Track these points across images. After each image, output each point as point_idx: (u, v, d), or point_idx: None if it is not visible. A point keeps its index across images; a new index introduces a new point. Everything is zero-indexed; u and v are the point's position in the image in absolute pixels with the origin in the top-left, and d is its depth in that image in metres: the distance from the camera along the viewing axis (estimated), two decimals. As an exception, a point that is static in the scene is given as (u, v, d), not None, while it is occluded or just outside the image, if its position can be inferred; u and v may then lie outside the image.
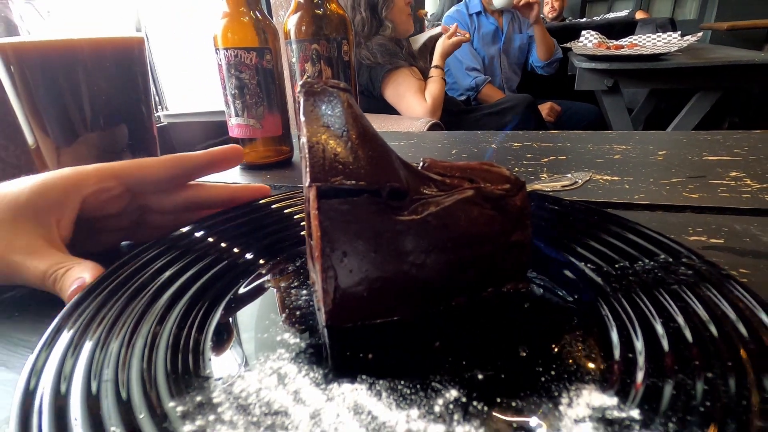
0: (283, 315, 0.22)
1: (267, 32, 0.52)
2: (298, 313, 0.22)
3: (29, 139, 0.33)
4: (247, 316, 0.22)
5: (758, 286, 0.24)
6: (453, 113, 1.49)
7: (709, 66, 1.33)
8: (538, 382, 0.16)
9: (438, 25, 1.60)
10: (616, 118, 1.59)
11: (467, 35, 1.47)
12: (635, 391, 0.16)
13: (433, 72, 1.41)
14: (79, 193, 0.24)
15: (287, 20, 0.48)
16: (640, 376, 0.16)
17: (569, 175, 0.45)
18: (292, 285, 0.25)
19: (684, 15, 3.69)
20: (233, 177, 0.53)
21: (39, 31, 0.31)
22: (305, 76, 0.26)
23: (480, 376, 0.17)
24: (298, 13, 0.46)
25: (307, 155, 0.19)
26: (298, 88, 0.23)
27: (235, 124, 0.54)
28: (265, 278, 0.26)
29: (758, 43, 2.92)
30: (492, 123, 1.60)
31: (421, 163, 0.24)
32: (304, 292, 0.24)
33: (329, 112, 0.21)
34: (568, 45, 1.78)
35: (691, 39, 1.42)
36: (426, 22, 1.79)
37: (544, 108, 2.01)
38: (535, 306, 0.22)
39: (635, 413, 0.15)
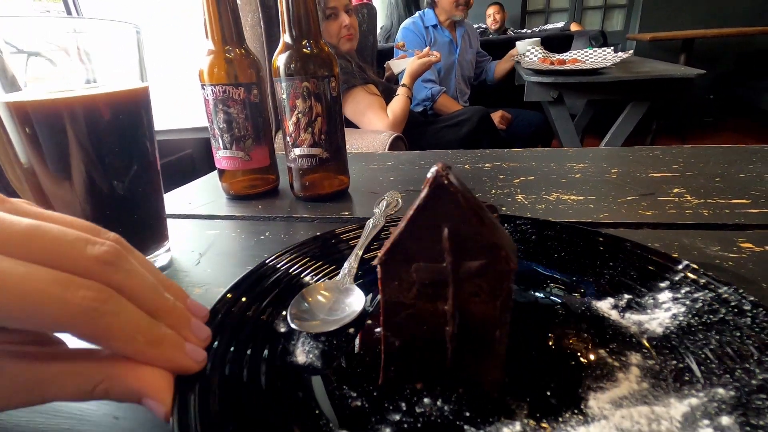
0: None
1: (253, 68, 0.53)
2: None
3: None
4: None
5: (712, 296, 0.29)
6: (413, 126, 1.55)
7: (639, 79, 1.48)
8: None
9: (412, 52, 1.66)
10: (562, 126, 1.72)
11: (437, 56, 1.53)
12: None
13: (400, 90, 1.47)
14: None
15: (276, 58, 0.50)
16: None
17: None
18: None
19: (612, 26, 4.03)
20: (221, 208, 0.54)
21: (38, 84, 0.31)
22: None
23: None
24: (288, 52, 0.49)
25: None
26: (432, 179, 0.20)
27: (222, 157, 0.55)
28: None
29: (675, 52, 3.24)
30: (450, 135, 1.67)
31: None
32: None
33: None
34: (516, 58, 1.90)
35: (623, 55, 1.57)
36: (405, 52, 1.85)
37: (496, 116, 2.13)
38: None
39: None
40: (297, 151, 0.52)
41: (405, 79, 1.53)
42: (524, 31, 3.64)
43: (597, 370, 0.23)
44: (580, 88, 1.58)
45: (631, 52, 1.66)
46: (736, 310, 0.25)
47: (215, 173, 0.68)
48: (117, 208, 0.35)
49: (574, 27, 3.52)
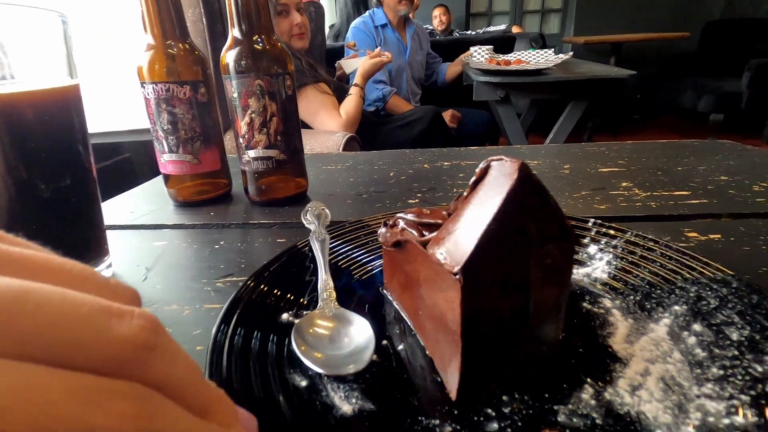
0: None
1: (198, 64, 0.50)
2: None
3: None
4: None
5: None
6: (366, 126, 1.54)
7: (579, 80, 1.56)
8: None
9: (364, 53, 1.65)
10: (509, 124, 1.78)
11: (389, 56, 1.53)
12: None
13: (353, 90, 1.45)
14: None
15: (225, 54, 0.46)
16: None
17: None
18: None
19: (549, 30, 4.24)
20: (168, 217, 0.50)
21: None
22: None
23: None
24: (237, 48, 0.46)
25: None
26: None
27: (168, 161, 0.51)
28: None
29: (606, 55, 3.47)
30: (403, 134, 1.68)
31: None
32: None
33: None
34: (465, 60, 1.94)
35: (564, 56, 1.65)
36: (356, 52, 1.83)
37: (446, 115, 2.16)
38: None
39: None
40: (251, 154, 0.49)
41: (357, 79, 1.51)
42: (469, 32, 3.75)
43: (596, 319, 0.27)
44: (525, 87, 1.64)
45: (571, 53, 1.75)
46: (645, 247, 0.34)
47: (159, 179, 0.63)
48: (48, 221, 0.31)
49: (515, 29, 3.68)
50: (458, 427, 0.19)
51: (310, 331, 0.24)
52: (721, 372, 0.23)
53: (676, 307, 0.28)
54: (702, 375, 0.23)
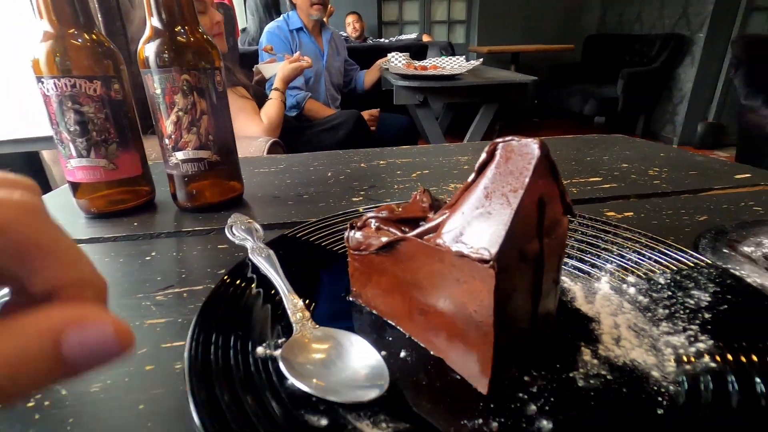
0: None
1: (110, 57, 0.44)
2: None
3: None
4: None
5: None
6: (288, 131, 1.50)
7: (490, 84, 1.68)
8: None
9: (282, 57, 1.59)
10: (429, 127, 1.85)
11: (309, 61, 1.50)
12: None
13: (273, 94, 1.40)
14: None
15: (143, 47, 0.42)
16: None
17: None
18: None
19: (456, 39, 4.51)
20: (79, 230, 0.44)
21: None
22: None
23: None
24: (158, 40, 0.41)
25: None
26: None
27: (77, 167, 0.44)
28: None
29: (507, 63, 3.79)
30: (327, 138, 1.66)
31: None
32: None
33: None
34: (385, 66, 1.98)
35: (475, 63, 1.77)
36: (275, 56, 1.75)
37: (365, 114, 2.17)
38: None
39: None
40: (180, 155, 0.45)
41: (277, 83, 1.47)
42: (382, 40, 3.84)
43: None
44: (442, 91, 1.72)
45: (482, 60, 1.88)
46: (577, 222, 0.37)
47: (62, 189, 0.55)
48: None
49: (426, 38, 3.85)
50: (502, 419, 0.19)
51: (300, 360, 0.22)
52: (667, 311, 0.26)
53: (609, 266, 0.32)
54: (654, 317, 0.26)
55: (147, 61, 0.42)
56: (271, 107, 1.41)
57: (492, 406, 0.20)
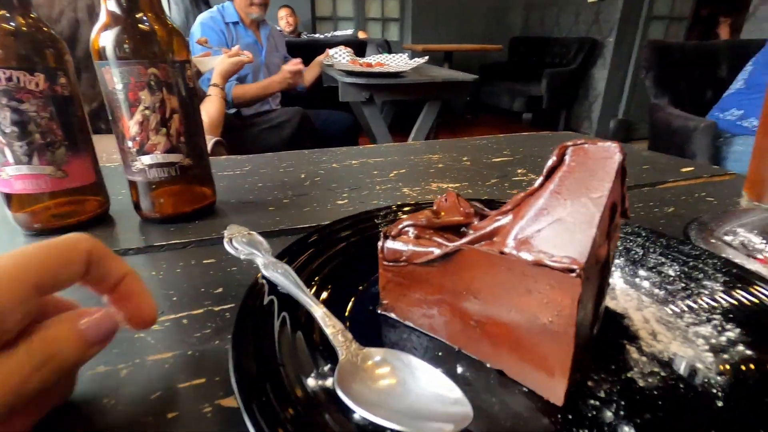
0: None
1: (53, 46, 0.38)
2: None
3: None
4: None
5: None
6: (229, 130, 1.41)
7: (434, 82, 1.71)
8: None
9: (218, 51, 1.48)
10: (375, 124, 1.85)
11: (249, 56, 1.41)
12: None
13: (212, 90, 1.31)
14: None
15: (99, 36, 0.36)
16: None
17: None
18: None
19: (390, 37, 4.54)
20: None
21: None
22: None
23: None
24: (118, 27, 0.36)
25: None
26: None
27: (15, 176, 0.37)
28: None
29: (441, 61, 3.89)
30: (272, 137, 1.59)
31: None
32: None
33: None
34: (327, 62, 1.93)
35: (420, 60, 1.79)
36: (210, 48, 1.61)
37: (290, 67, 1.95)
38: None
39: None
40: (146, 160, 0.39)
41: (216, 79, 1.37)
42: (317, 36, 3.76)
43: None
44: (387, 89, 1.72)
45: (427, 58, 1.90)
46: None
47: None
48: None
49: (361, 35, 3.83)
50: (586, 431, 0.19)
51: (358, 388, 0.19)
52: (686, 303, 0.27)
53: (618, 260, 0.32)
54: (676, 309, 0.27)
55: (103, 52, 0.36)
56: (211, 104, 1.32)
57: (570, 417, 0.19)
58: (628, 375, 0.22)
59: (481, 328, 0.22)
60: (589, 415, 0.19)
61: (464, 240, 0.22)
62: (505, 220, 0.21)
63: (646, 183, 0.57)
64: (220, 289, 0.31)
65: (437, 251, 0.22)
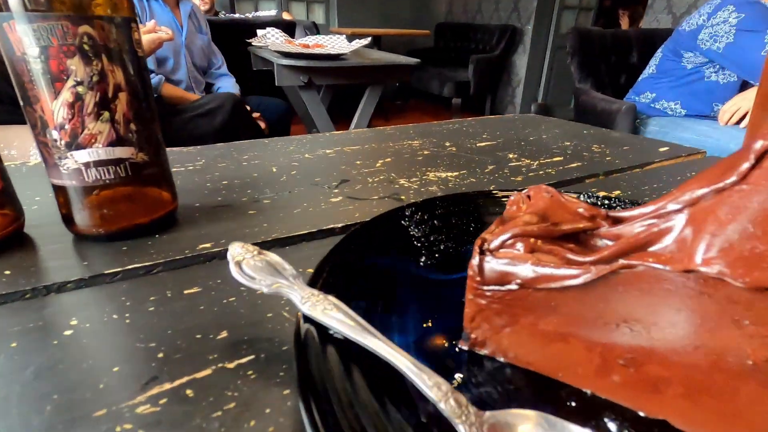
0: None
1: None
2: None
3: None
4: None
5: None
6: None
7: (377, 65, 1.63)
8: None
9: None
10: (315, 110, 1.74)
11: (170, 33, 1.21)
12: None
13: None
14: None
15: (-4, -26, 0.24)
16: None
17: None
18: None
19: (316, 19, 4.35)
20: None
21: None
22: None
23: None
24: (26, -36, 0.24)
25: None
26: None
27: None
28: None
29: (370, 46, 3.81)
30: (203, 126, 1.42)
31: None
32: None
33: None
34: (258, 43, 1.76)
35: (362, 42, 1.69)
36: None
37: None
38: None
39: None
40: (82, 156, 0.28)
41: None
42: (236, 15, 3.48)
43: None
44: (328, 72, 1.61)
45: (369, 39, 1.81)
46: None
47: None
48: None
49: (286, 16, 3.61)
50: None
51: None
52: None
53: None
54: None
55: (5, 3, 0.25)
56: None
57: None
58: None
59: (636, 369, 0.17)
60: None
61: (607, 252, 0.16)
62: (670, 223, 0.16)
63: (635, 165, 0.56)
64: (224, 334, 0.23)
65: (587, 273, 0.16)
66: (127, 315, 0.24)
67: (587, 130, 0.74)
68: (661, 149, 0.63)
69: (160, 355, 0.21)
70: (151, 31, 1.24)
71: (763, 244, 0.14)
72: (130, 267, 0.29)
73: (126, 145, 0.30)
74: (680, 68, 1.76)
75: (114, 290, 0.27)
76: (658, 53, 1.96)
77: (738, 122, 1.56)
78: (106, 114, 0.28)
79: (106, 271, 0.28)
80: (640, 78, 2.03)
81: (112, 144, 0.29)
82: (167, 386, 0.19)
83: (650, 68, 1.99)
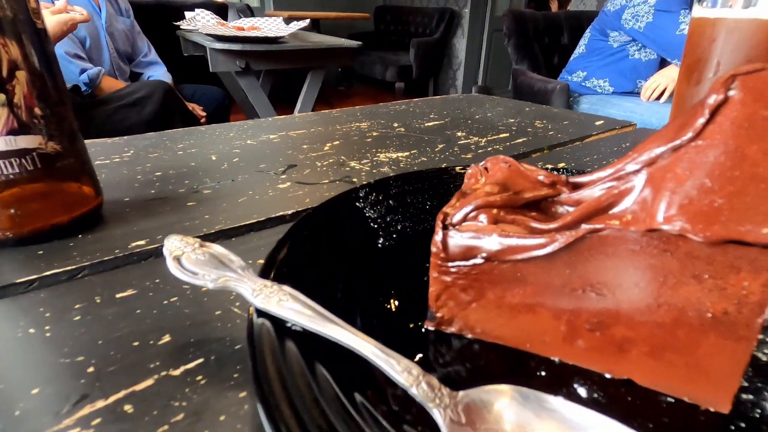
0: None
1: None
2: None
3: None
4: None
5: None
6: (76, 109, 1.11)
7: (318, 48, 1.58)
8: None
9: None
10: (255, 96, 1.66)
11: (84, 13, 1.09)
12: None
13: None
14: None
15: None
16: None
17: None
18: None
19: (250, 2, 4.14)
20: None
21: None
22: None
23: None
24: None
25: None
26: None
27: None
28: None
29: (309, 29, 3.70)
30: (131, 116, 1.31)
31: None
32: None
33: None
34: (187, 26, 1.64)
35: (301, 24, 1.63)
36: None
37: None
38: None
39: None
40: (-24, 149, 0.24)
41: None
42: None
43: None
44: (266, 56, 1.54)
45: (308, 22, 1.74)
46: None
47: None
48: None
49: (217, -2, 3.40)
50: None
51: None
52: None
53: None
54: None
55: None
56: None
57: (743, 425, 0.15)
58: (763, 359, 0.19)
59: (602, 332, 0.17)
60: (756, 416, 0.16)
61: (570, 218, 0.16)
62: (629, 185, 0.16)
63: (576, 138, 0.58)
64: (166, 338, 0.20)
65: (556, 242, 0.16)
66: (47, 327, 0.21)
67: (529, 107, 0.76)
68: (597, 122, 0.66)
69: (90, 369, 0.18)
70: (61, 11, 1.11)
71: (720, 198, 0.14)
72: (48, 273, 0.25)
73: (31, 133, 0.26)
74: (607, 47, 1.86)
75: (30, 301, 0.23)
76: (587, 33, 2.06)
77: (658, 98, 1.69)
78: (2, 96, 0.24)
79: (18, 280, 0.24)
80: (571, 57, 2.13)
81: (12, 132, 0.25)
82: (100, 404, 0.17)
83: (580, 48, 2.09)
